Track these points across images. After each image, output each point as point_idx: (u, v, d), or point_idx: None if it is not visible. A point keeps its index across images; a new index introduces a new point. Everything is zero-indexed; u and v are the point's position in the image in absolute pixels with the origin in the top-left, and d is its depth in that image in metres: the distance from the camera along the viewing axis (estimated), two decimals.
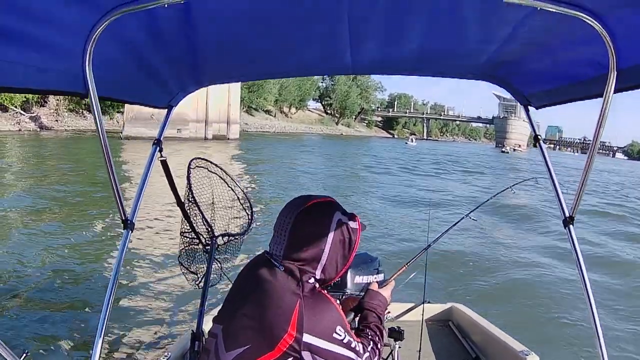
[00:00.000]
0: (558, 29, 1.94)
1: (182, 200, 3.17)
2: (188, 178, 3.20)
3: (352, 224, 2.10)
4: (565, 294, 8.87)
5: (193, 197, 3.20)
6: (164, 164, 2.93)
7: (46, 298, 7.52)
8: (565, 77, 2.36)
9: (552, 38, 2.07)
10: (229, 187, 3.42)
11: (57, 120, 48.34)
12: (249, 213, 3.47)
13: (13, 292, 7.59)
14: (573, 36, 1.93)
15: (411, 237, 12.71)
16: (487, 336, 3.62)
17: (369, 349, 2.08)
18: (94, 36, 1.73)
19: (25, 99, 44.57)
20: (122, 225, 2.45)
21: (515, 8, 1.73)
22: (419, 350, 3.12)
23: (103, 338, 2.14)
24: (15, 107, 44.03)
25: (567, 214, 2.43)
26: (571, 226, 2.41)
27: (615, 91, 1.85)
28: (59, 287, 8.02)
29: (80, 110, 51.72)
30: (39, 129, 44.86)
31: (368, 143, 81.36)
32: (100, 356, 2.08)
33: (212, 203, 3.40)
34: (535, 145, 2.81)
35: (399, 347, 3.20)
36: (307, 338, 1.85)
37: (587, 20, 1.63)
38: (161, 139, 2.86)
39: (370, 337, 2.19)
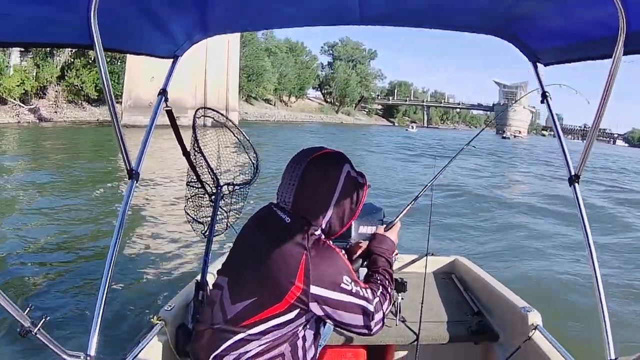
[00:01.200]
0: None
1: (188, 151, 3.17)
2: (194, 128, 3.20)
3: (359, 179, 2.11)
4: (567, 251, 8.93)
5: (199, 146, 3.20)
6: (170, 113, 2.92)
7: (53, 255, 7.69)
8: (576, 35, 2.35)
9: None
10: (234, 136, 3.40)
11: (56, 112, 48.15)
12: (255, 162, 3.46)
13: (23, 251, 7.73)
14: None
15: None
16: (490, 291, 3.63)
17: (379, 293, 2.07)
18: None
19: (24, 91, 44.52)
20: (127, 175, 2.42)
21: None
22: (422, 303, 3.12)
23: (107, 288, 2.12)
24: (14, 99, 43.90)
25: (572, 172, 2.43)
26: (576, 184, 2.41)
27: (625, 53, 1.86)
28: (67, 246, 8.19)
29: (80, 102, 51.57)
30: (38, 121, 44.73)
31: (369, 131, 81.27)
32: (104, 306, 2.06)
33: (218, 153, 3.39)
34: (542, 102, 2.79)
35: (402, 299, 3.20)
36: (314, 289, 1.86)
37: None
38: (167, 88, 2.82)
39: (379, 281, 2.18)
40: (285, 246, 1.91)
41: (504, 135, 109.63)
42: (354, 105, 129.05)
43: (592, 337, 4.92)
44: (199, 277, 2.93)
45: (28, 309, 1.75)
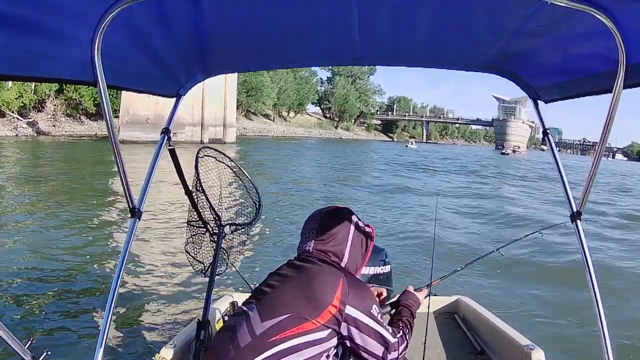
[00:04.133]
0: (568, 23, 1.95)
1: (190, 189, 3.16)
2: (196, 167, 3.18)
3: (366, 228, 2.39)
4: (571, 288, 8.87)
5: (201, 186, 3.18)
6: (172, 152, 2.92)
7: (53, 288, 7.56)
8: (575, 71, 2.37)
9: (562, 32, 2.08)
10: (236, 176, 3.39)
11: (54, 126, 48.35)
12: (257, 203, 3.44)
13: (20, 284, 7.62)
14: (583, 30, 1.94)
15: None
16: (493, 329, 3.59)
17: (399, 335, 2.22)
18: (103, 25, 1.75)
19: (22, 105, 44.63)
20: (130, 213, 2.46)
21: (524, 0, 1.80)
22: (424, 343, 3.10)
23: (108, 327, 2.16)
24: (13, 112, 43.99)
25: (574, 209, 2.47)
26: (578, 221, 2.46)
27: (625, 87, 1.87)
28: (66, 277, 8.08)
29: (78, 116, 51.80)
30: (36, 134, 44.92)
31: (368, 147, 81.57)
32: (105, 344, 2.10)
33: (220, 192, 3.38)
34: (544, 138, 2.83)
35: None
36: (349, 310, 2.00)
37: (596, 15, 1.63)
38: (169, 127, 2.84)
39: (401, 327, 2.35)
40: (323, 272, 2.09)
41: (504, 151, 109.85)
42: (353, 120, 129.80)
43: None
44: (200, 316, 2.89)
45: (29, 342, 1.80)
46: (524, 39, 2.28)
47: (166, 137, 2.80)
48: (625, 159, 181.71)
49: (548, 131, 2.81)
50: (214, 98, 48.49)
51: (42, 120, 47.70)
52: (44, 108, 48.72)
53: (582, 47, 2.15)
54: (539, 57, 2.50)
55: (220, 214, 3.26)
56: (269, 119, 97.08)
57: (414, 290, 2.69)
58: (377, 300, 2.26)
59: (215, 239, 3.20)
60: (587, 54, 2.17)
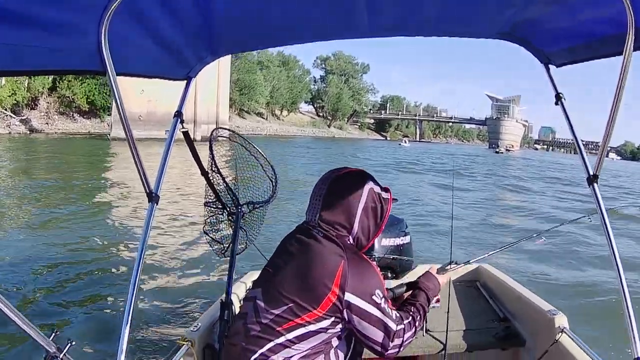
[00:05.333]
0: None
1: (206, 170, 3.15)
2: (210, 148, 3.18)
3: (384, 194, 2.21)
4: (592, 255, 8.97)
5: (216, 166, 3.18)
6: (186, 134, 2.92)
7: (74, 277, 7.63)
8: (585, 34, 2.38)
9: None
10: (251, 155, 3.36)
11: (47, 123, 48.25)
12: (273, 180, 3.43)
13: (40, 275, 7.65)
14: None
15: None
16: (515, 296, 3.60)
17: (405, 322, 2.14)
18: (109, 13, 1.74)
19: (15, 102, 44.44)
20: (147, 198, 2.44)
21: None
22: (447, 312, 3.12)
23: (132, 311, 2.15)
24: (6, 109, 43.79)
25: (590, 172, 2.45)
26: (595, 184, 2.44)
27: (635, 49, 1.88)
28: (86, 267, 8.12)
29: (71, 113, 51.60)
30: (29, 132, 44.74)
31: (361, 145, 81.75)
32: (129, 329, 2.08)
33: (236, 172, 3.37)
34: (557, 103, 2.77)
35: (433, 307, 3.16)
36: (348, 296, 1.94)
37: None
38: (182, 110, 2.83)
39: (412, 312, 2.25)
40: (323, 255, 2.01)
41: (497, 150, 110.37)
42: (346, 119, 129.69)
43: (618, 336, 4.90)
44: (223, 297, 2.92)
45: (53, 334, 1.77)
46: (535, 3, 2.28)
47: (179, 120, 2.78)
48: (619, 158, 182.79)
49: (561, 95, 2.73)
50: (207, 96, 48.32)
51: (35, 117, 47.57)
52: (37, 105, 48.62)
53: (592, 11, 2.15)
54: (550, 22, 2.49)
55: (237, 193, 3.26)
56: (262, 118, 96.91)
57: (437, 271, 2.59)
58: (382, 282, 2.11)
59: (234, 219, 3.19)
60: (598, 17, 2.17)
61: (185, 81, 2.99)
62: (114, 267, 8.16)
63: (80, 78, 49.25)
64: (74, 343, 1.82)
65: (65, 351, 1.76)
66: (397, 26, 2.82)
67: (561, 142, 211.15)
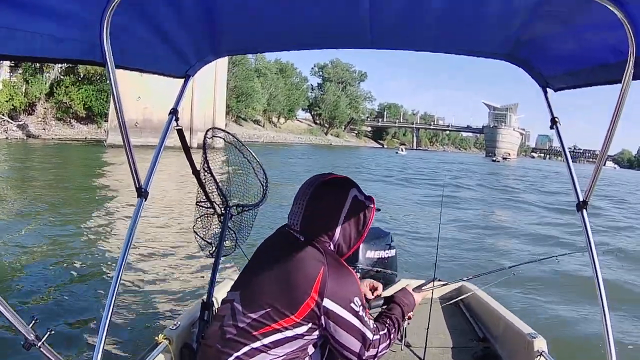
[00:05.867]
0: (580, 12, 1.96)
1: (198, 170, 3.16)
2: (204, 148, 3.20)
3: (367, 203, 2.20)
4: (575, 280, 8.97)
5: (208, 166, 3.20)
6: (180, 132, 2.93)
7: (57, 269, 7.67)
8: (586, 60, 2.36)
9: (574, 21, 2.08)
10: (244, 157, 3.38)
11: (44, 129, 48.06)
12: (264, 184, 3.44)
13: (24, 266, 7.70)
14: (595, 20, 1.94)
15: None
16: (496, 317, 3.60)
17: (381, 333, 2.13)
18: (112, 5, 1.74)
19: (12, 108, 44.39)
20: (136, 193, 2.43)
21: None
22: (427, 328, 3.15)
23: (113, 305, 2.14)
24: (3, 115, 43.72)
25: (580, 199, 2.42)
26: (584, 210, 2.40)
27: (634, 78, 1.87)
28: (70, 261, 8.14)
29: (68, 119, 51.47)
30: (26, 137, 44.59)
31: (359, 153, 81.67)
32: (109, 323, 2.08)
33: (228, 174, 3.39)
34: (552, 128, 2.77)
35: (408, 324, 3.18)
36: (326, 303, 1.93)
37: (608, 6, 1.64)
38: (177, 108, 2.83)
39: (387, 325, 2.23)
40: (303, 260, 1.99)
41: (494, 158, 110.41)
42: (343, 127, 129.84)
43: None
44: (205, 297, 2.93)
45: (33, 322, 1.78)
46: (536, 26, 2.27)
47: (174, 117, 2.78)
48: (616, 166, 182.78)
49: (557, 119, 2.72)
50: (203, 103, 48.06)
51: (33, 123, 47.42)
52: (34, 111, 48.47)
53: (594, 37, 2.14)
54: (550, 45, 2.49)
55: (227, 194, 3.28)
56: (259, 125, 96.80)
57: (414, 290, 2.55)
58: (361, 291, 2.10)
59: (223, 220, 3.21)
60: (599, 44, 2.15)
61: (184, 79, 2.98)
62: (99, 261, 8.20)
63: (78, 84, 49.27)
64: (53, 332, 1.83)
65: (43, 339, 1.77)
66: (397, 40, 2.84)
67: (558, 151, 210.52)
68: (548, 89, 2.85)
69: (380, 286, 2.59)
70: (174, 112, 2.80)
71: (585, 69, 2.42)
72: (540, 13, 2.10)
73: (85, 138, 49.18)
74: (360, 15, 2.34)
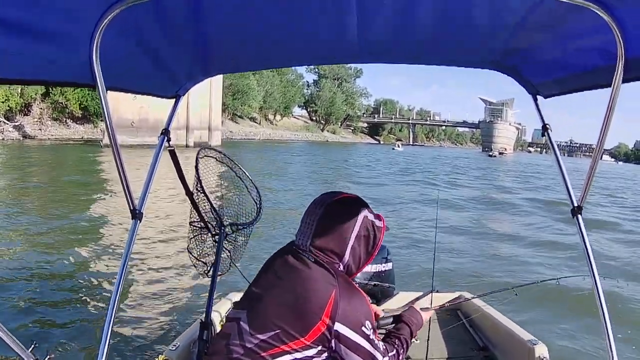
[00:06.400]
0: (567, 18, 1.95)
1: (191, 190, 3.16)
2: (196, 168, 3.19)
3: (377, 222, 2.18)
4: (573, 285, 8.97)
5: (202, 186, 3.19)
6: (172, 153, 2.92)
7: (55, 291, 7.57)
8: (574, 66, 2.36)
9: (562, 27, 2.08)
10: (237, 176, 3.39)
11: (40, 129, 47.95)
12: (257, 203, 3.45)
13: (21, 289, 7.57)
14: (582, 25, 1.94)
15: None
16: (495, 325, 3.60)
17: (390, 354, 2.13)
18: (101, 27, 1.72)
19: (8, 108, 44.25)
20: (131, 215, 2.41)
21: None
22: (427, 340, 3.13)
23: (111, 328, 2.13)
24: None
25: (575, 204, 2.44)
26: (579, 215, 2.42)
27: (624, 81, 1.88)
28: (67, 282, 8.07)
29: (64, 119, 51.37)
30: (22, 138, 44.47)
31: (355, 149, 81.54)
32: (108, 346, 2.06)
33: (221, 193, 3.40)
34: (543, 134, 2.78)
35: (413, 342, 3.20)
36: (338, 327, 1.90)
37: (596, 10, 1.65)
38: (169, 128, 2.82)
39: (396, 345, 2.24)
40: (315, 282, 1.96)
41: (491, 153, 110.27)
42: (339, 123, 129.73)
43: None
44: (203, 317, 2.91)
45: (32, 346, 1.77)
46: (524, 34, 2.26)
47: (165, 139, 2.77)
48: (613, 160, 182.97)
49: (548, 126, 2.74)
50: (199, 101, 47.98)
51: (29, 123, 47.26)
52: (30, 112, 48.30)
53: (582, 42, 2.14)
54: (539, 53, 2.49)
55: (221, 214, 3.27)
56: (256, 122, 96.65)
57: (413, 302, 2.56)
58: (372, 313, 2.09)
59: (217, 240, 3.21)
60: (587, 49, 2.16)
61: (174, 99, 2.98)
62: (96, 281, 8.13)
63: None
64: (52, 356, 1.84)
65: None
66: (386, 53, 2.82)
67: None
68: (538, 96, 2.86)
69: (381, 312, 2.57)
70: (165, 133, 2.78)
71: (574, 75, 2.43)
72: (528, 22, 2.10)
73: (82, 138, 49.09)
74: (348, 31, 2.33)
